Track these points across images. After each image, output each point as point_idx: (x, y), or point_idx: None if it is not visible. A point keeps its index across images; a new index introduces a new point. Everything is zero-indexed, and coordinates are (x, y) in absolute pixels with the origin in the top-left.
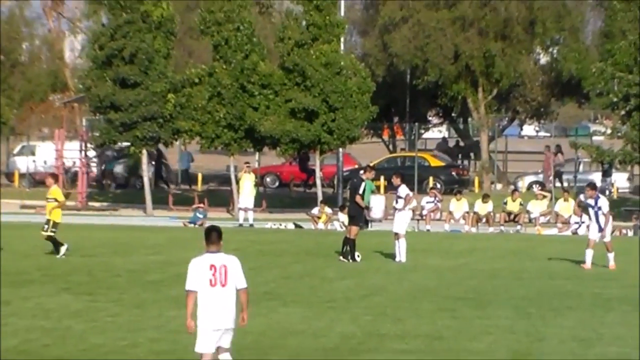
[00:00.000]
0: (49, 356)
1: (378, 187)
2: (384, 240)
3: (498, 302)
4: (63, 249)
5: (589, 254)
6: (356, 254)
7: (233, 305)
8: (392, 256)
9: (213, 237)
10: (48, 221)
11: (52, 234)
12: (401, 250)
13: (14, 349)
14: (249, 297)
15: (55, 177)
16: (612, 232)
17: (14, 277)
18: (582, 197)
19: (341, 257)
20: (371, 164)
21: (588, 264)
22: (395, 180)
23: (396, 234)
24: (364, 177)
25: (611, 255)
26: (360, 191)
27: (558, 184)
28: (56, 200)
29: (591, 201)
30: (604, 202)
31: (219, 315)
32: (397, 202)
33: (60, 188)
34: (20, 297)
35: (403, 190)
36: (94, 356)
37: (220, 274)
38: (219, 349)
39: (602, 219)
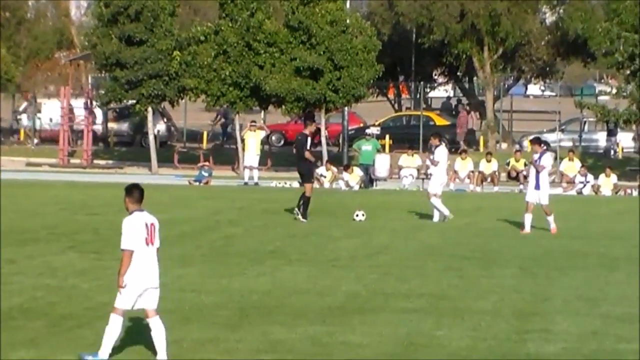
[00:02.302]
0: (54, 314)
1: (383, 146)
2: (388, 199)
3: (503, 262)
4: None
5: (528, 218)
6: (361, 212)
7: (157, 264)
8: (397, 215)
9: (137, 194)
10: None
11: None
12: (437, 209)
13: (20, 307)
14: (255, 255)
15: None
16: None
17: (19, 236)
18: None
19: (297, 213)
20: (376, 122)
21: (527, 229)
22: (434, 141)
23: (430, 193)
24: (306, 131)
25: (551, 218)
26: (308, 146)
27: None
28: None
29: (536, 156)
30: (547, 159)
31: (149, 274)
32: (431, 163)
33: None
34: (25, 256)
35: (438, 152)
36: (100, 314)
37: (151, 233)
38: (147, 312)
39: (544, 178)
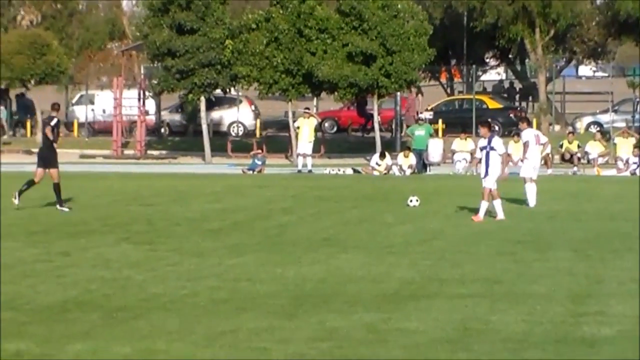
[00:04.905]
0: (109, 306)
1: (436, 131)
2: (442, 184)
3: (557, 245)
4: None
5: (484, 206)
6: (414, 198)
7: None
8: (450, 200)
9: None
10: None
11: None
12: (529, 195)
13: (74, 300)
14: (309, 243)
15: None
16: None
17: (73, 228)
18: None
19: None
20: (429, 107)
21: (480, 216)
22: (522, 125)
23: (525, 178)
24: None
25: (497, 203)
26: (52, 123)
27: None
28: None
29: (483, 141)
30: (497, 143)
31: None
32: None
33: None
34: (79, 248)
35: (525, 134)
36: (154, 305)
37: None
38: None
39: (494, 162)
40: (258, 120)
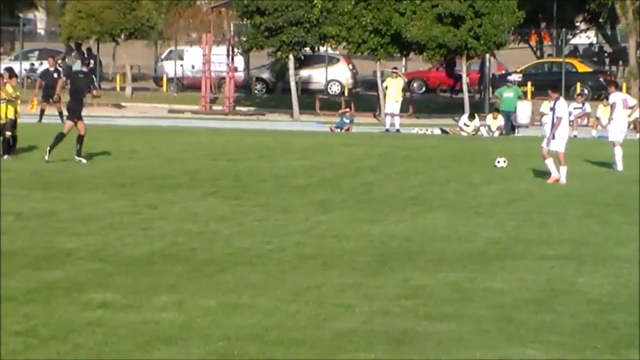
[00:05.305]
0: (195, 259)
1: (525, 93)
2: (530, 145)
3: None
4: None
5: (556, 167)
6: (502, 159)
7: None
8: (538, 162)
9: None
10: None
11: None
12: (617, 159)
13: (161, 252)
14: (396, 201)
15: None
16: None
17: (160, 181)
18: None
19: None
20: (518, 69)
21: (554, 174)
22: (610, 89)
23: (614, 142)
24: None
25: (563, 169)
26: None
27: None
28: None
29: (550, 104)
30: (558, 105)
31: None
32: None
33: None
34: (167, 202)
35: (612, 97)
36: (241, 259)
37: None
38: None
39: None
40: (347, 80)
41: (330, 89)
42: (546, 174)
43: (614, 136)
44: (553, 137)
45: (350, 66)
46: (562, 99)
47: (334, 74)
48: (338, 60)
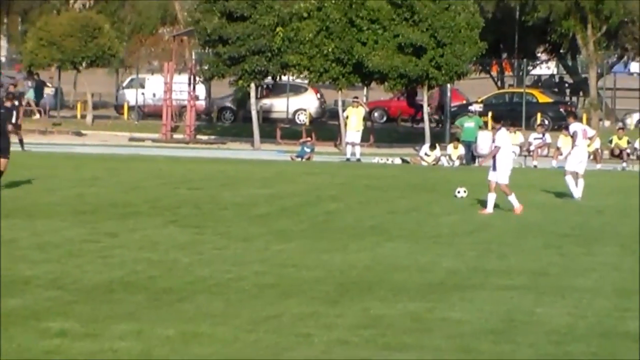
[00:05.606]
0: (154, 288)
1: (486, 123)
2: None
3: (604, 239)
4: None
5: (491, 198)
6: (462, 189)
7: None
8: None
9: None
10: None
11: None
12: (571, 188)
13: (120, 280)
14: (356, 230)
15: None
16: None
17: (121, 209)
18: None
19: None
20: (479, 99)
21: (489, 209)
22: (569, 119)
23: (567, 171)
24: None
25: (511, 198)
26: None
27: None
28: None
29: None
30: (498, 136)
31: None
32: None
33: None
34: (127, 229)
35: (573, 127)
36: (200, 288)
37: None
38: None
39: (499, 157)
40: (314, 109)
41: (298, 117)
42: (506, 204)
43: (570, 166)
44: (494, 169)
45: (319, 95)
46: (503, 129)
47: (302, 103)
48: (306, 89)
